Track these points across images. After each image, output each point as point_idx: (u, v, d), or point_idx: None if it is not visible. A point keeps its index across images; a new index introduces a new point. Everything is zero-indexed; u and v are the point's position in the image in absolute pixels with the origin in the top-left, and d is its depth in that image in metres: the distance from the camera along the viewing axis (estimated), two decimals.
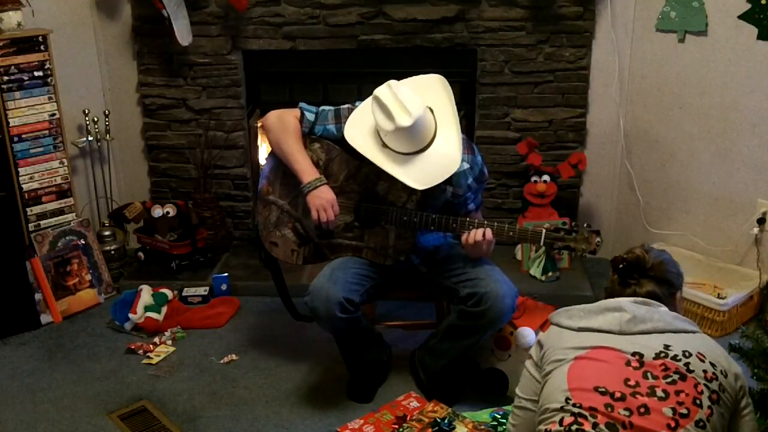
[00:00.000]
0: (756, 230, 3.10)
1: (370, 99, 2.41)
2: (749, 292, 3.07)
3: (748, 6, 2.93)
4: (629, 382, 1.66)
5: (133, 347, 3.01)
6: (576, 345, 1.77)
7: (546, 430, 1.70)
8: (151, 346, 3.02)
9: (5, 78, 3.11)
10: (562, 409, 1.69)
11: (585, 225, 2.45)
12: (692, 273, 3.26)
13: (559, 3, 3.30)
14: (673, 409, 1.61)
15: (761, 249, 3.13)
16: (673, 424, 1.59)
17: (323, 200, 2.45)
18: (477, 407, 2.53)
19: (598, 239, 2.40)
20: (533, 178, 3.47)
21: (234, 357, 2.95)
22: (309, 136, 2.58)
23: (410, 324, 3.01)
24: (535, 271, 3.39)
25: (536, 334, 2.57)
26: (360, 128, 2.47)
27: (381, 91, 2.36)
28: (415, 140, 2.36)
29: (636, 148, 3.46)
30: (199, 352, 3.00)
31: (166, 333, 3.10)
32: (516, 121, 3.51)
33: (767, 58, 2.94)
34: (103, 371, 2.88)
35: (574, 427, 1.64)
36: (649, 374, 1.67)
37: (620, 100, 3.43)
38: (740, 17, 2.97)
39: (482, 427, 2.37)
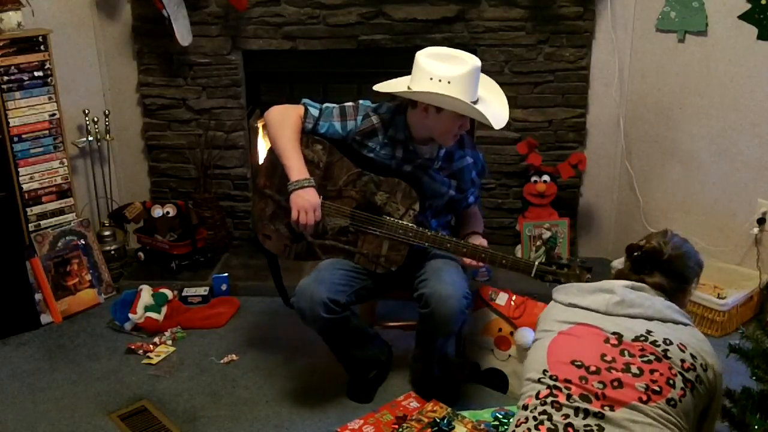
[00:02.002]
0: (756, 230, 3.10)
1: (398, 79, 2.44)
2: (749, 292, 3.07)
3: (748, 6, 2.93)
4: (605, 358, 1.73)
5: (133, 347, 3.01)
6: (562, 319, 1.86)
7: (524, 405, 1.76)
8: (151, 346, 3.02)
9: (5, 78, 3.11)
10: (539, 381, 1.76)
11: (578, 260, 2.43)
12: None
13: (559, 3, 3.30)
14: (646, 386, 1.68)
15: (761, 249, 3.13)
16: (644, 398, 1.66)
17: (307, 202, 2.42)
18: (477, 407, 2.53)
19: (588, 276, 2.34)
20: (533, 178, 3.47)
21: (234, 357, 2.95)
22: (312, 133, 2.55)
23: (410, 324, 3.00)
24: None
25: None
26: (399, 88, 2.42)
27: (428, 49, 2.38)
28: (473, 88, 2.34)
29: (636, 148, 3.46)
30: (199, 352, 3.00)
31: (166, 333, 3.10)
32: (516, 121, 3.51)
33: (767, 58, 2.94)
34: (103, 371, 2.88)
35: (549, 399, 1.71)
36: (626, 352, 1.73)
37: (620, 100, 3.43)
38: (740, 17, 2.97)
39: (482, 426, 2.37)
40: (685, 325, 1.83)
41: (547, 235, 3.43)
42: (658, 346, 1.74)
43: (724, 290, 3.10)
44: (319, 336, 2.54)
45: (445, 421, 2.37)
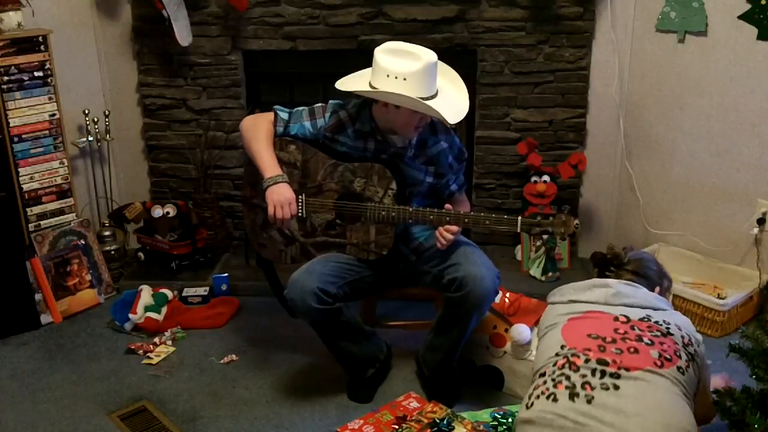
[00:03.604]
0: (756, 230, 3.10)
1: (360, 72, 2.50)
2: (749, 292, 3.07)
3: (748, 6, 2.93)
4: (619, 331, 1.89)
5: (133, 347, 3.01)
6: (567, 312, 2.02)
7: (540, 373, 1.88)
8: (151, 346, 3.02)
9: (5, 78, 3.11)
10: (556, 355, 1.90)
11: (563, 208, 2.47)
12: (692, 273, 3.26)
13: (559, 3, 3.30)
14: (659, 353, 1.83)
15: (761, 249, 3.13)
16: (659, 364, 1.81)
17: (282, 197, 2.46)
18: (476, 407, 2.53)
19: (576, 222, 2.40)
20: (533, 179, 3.47)
21: (234, 357, 2.95)
22: (284, 136, 2.61)
23: (410, 324, 3.01)
24: (535, 271, 3.39)
25: (531, 330, 2.58)
26: (358, 85, 2.47)
27: (386, 45, 2.42)
28: (429, 84, 2.37)
29: (636, 148, 3.46)
30: (199, 352, 3.00)
31: (166, 333, 3.10)
32: (516, 121, 3.51)
33: (767, 58, 2.95)
34: (103, 371, 2.88)
35: (566, 366, 1.85)
36: (636, 327, 1.90)
37: (620, 100, 3.43)
38: (740, 17, 2.97)
39: (481, 427, 2.37)
40: (673, 312, 2.03)
41: (546, 235, 3.42)
42: (660, 325, 1.91)
43: (724, 290, 3.10)
44: (312, 328, 2.55)
45: (445, 422, 2.37)
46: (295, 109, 2.65)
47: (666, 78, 3.27)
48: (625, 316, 1.92)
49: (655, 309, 1.98)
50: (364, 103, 2.57)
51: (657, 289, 2.14)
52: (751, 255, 3.17)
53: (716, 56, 3.08)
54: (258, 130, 2.59)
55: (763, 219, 3.09)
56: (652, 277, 2.15)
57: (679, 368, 1.82)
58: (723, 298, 3.02)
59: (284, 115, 2.63)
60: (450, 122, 2.41)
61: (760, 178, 3.08)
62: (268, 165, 2.51)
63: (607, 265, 2.16)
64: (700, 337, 2.00)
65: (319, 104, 2.64)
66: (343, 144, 2.58)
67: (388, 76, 2.36)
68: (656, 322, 1.91)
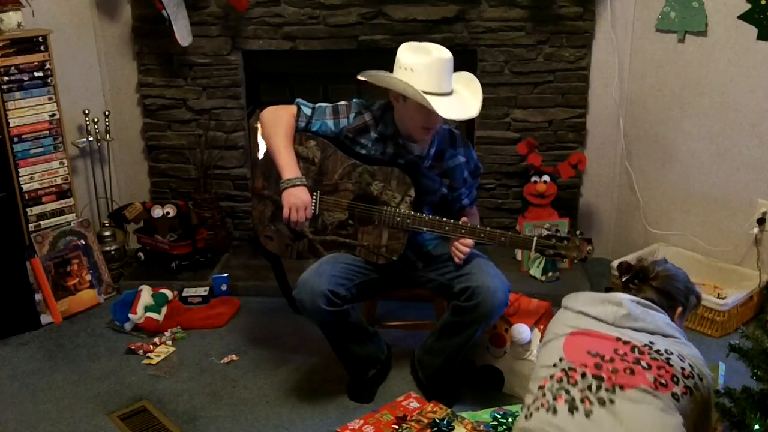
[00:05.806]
0: (756, 230, 3.10)
1: (384, 74, 2.48)
2: (749, 292, 3.07)
3: (748, 6, 2.93)
4: (618, 351, 1.87)
5: (133, 347, 3.01)
6: (573, 324, 1.99)
7: (539, 386, 1.87)
8: (151, 346, 3.02)
9: (5, 78, 3.11)
10: (554, 366, 1.90)
11: (578, 233, 2.46)
12: (692, 273, 3.23)
13: (559, 3, 3.30)
14: (655, 378, 1.80)
15: (761, 249, 3.13)
16: (653, 387, 1.79)
17: (298, 200, 2.46)
18: (476, 407, 2.53)
19: (589, 248, 2.41)
20: (533, 179, 3.47)
21: (234, 357, 2.95)
22: (305, 132, 2.59)
23: (410, 324, 3.01)
24: (535, 271, 3.39)
25: (531, 330, 2.58)
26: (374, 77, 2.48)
27: (408, 44, 2.44)
28: (436, 79, 2.37)
29: (636, 148, 3.46)
30: (199, 352, 3.00)
31: (166, 333, 3.10)
32: (516, 121, 3.51)
33: (767, 58, 2.94)
34: (103, 371, 2.88)
35: (564, 380, 1.85)
36: (636, 350, 1.87)
37: (620, 100, 3.43)
38: (740, 17, 2.97)
39: (481, 427, 2.37)
40: (684, 342, 1.96)
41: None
42: (661, 354, 1.85)
43: (724, 290, 3.10)
44: (319, 329, 2.55)
45: (445, 422, 2.37)
46: (318, 105, 2.62)
47: (666, 78, 3.27)
48: (629, 338, 1.90)
49: (665, 336, 1.93)
50: (388, 104, 2.56)
51: (679, 309, 2.10)
52: (751, 255, 3.17)
53: (716, 56, 3.08)
54: (279, 124, 2.55)
55: (763, 219, 3.09)
56: (676, 296, 2.09)
57: (674, 395, 1.80)
58: (723, 298, 3.02)
59: (307, 111, 2.59)
60: (442, 115, 2.36)
61: (760, 178, 3.08)
62: (287, 165, 2.50)
63: (633, 279, 2.11)
64: (707, 372, 1.92)
65: (343, 103, 2.61)
66: (363, 146, 2.57)
67: (400, 67, 2.39)
68: (657, 351, 1.87)
